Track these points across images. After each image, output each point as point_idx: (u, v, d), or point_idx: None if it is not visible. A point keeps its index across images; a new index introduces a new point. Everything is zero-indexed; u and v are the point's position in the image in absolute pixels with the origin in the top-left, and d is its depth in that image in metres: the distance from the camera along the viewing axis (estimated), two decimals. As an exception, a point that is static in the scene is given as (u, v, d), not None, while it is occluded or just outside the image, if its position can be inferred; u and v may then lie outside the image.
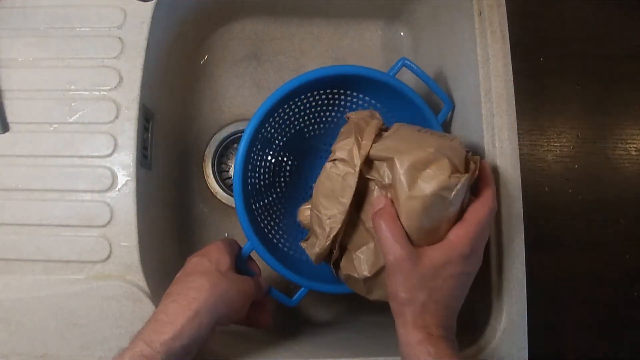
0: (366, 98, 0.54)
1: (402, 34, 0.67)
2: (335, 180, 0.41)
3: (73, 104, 0.47)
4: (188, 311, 0.38)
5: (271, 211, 0.56)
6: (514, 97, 0.48)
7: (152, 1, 0.50)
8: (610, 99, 0.72)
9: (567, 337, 0.66)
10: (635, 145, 0.71)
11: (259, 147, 0.55)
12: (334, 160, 0.41)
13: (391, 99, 0.52)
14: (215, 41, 0.66)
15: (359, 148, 0.40)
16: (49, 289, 0.45)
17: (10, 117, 0.47)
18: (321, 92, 0.53)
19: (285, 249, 0.54)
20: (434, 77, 0.60)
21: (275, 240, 0.54)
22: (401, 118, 0.53)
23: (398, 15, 0.66)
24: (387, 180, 0.39)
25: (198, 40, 0.65)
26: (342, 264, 0.45)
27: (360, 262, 0.42)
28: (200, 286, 0.40)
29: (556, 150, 0.71)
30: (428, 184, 0.36)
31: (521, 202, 0.47)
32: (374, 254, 0.41)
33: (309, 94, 0.52)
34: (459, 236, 0.38)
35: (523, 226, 0.46)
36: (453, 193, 0.36)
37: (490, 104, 0.49)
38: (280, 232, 0.55)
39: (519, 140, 0.48)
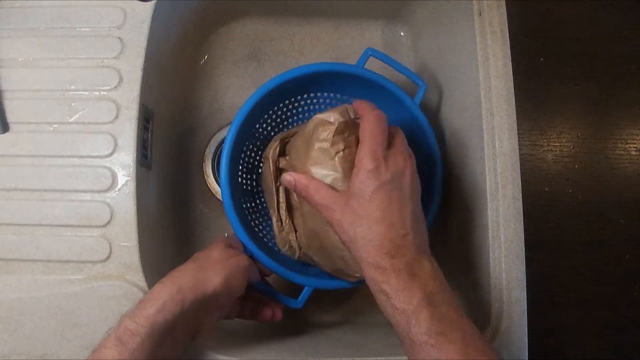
0: (344, 97, 0.55)
1: (402, 34, 0.67)
2: (265, 177, 0.52)
3: (73, 104, 0.47)
4: (170, 288, 0.39)
5: (263, 212, 0.56)
6: (514, 97, 0.48)
7: (152, 1, 0.50)
8: (610, 99, 0.72)
9: (567, 337, 0.66)
10: (635, 145, 0.71)
11: (251, 147, 0.55)
12: (263, 162, 0.52)
13: (367, 91, 0.53)
14: (215, 41, 0.66)
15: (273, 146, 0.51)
16: (49, 289, 0.45)
17: (10, 117, 0.47)
18: (298, 97, 0.55)
19: (281, 252, 0.54)
20: (435, 76, 0.60)
21: (271, 244, 0.54)
22: (380, 106, 0.54)
23: (398, 15, 0.66)
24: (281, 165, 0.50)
25: (198, 40, 0.65)
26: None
27: (301, 236, 0.49)
28: (186, 267, 0.42)
29: (556, 150, 0.71)
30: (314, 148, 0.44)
31: (521, 202, 0.47)
32: (306, 220, 0.48)
33: (287, 102, 0.54)
34: (359, 157, 0.39)
35: (523, 226, 0.46)
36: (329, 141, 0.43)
37: (490, 104, 0.49)
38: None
39: (519, 140, 0.48)
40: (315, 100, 0.56)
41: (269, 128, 0.56)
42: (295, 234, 0.50)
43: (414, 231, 0.39)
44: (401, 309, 0.36)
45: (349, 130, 0.43)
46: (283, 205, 0.50)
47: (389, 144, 0.41)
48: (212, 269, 0.42)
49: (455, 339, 0.34)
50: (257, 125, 0.55)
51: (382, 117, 0.41)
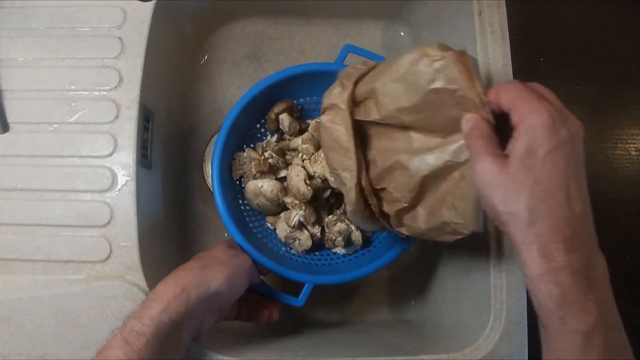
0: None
1: (402, 34, 0.67)
2: (332, 130, 0.40)
3: (73, 104, 0.47)
4: (174, 287, 0.39)
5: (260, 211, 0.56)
6: (514, 97, 0.48)
7: (152, 1, 0.50)
8: (610, 99, 0.72)
9: (567, 337, 0.66)
10: (635, 145, 0.71)
11: (249, 147, 0.55)
12: (325, 110, 0.41)
13: None
14: (215, 41, 0.66)
15: (344, 90, 0.40)
16: (49, 289, 0.45)
17: (10, 117, 0.47)
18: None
19: (280, 252, 0.54)
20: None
21: (270, 245, 0.54)
22: None
23: (398, 15, 0.66)
24: (372, 117, 0.39)
25: (198, 40, 0.65)
26: (386, 208, 0.42)
27: (398, 189, 0.40)
28: (189, 266, 0.42)
29: (556, 150, 0.71)
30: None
31: (521, 202, 0.46)
32: (405, 178, 0.39)
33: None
34: (524, 111, 0.30)
35: (523, 226, 0.46)
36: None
37: (490, 104, 0.48)
38: (274, 234, 0.56)
39: (519, 140, 0.47)
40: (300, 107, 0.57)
41: (262, 130, 0.57)
42: (381, 192, 0.42)
43: (588, 209, 0.31)
44: (573, 328, 0.29)
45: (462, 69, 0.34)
46: (363, 163, 0.41)
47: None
48: (215, 269, 0.41)
49: None
50: (252, 128, 0.56)
51: (518, 85, 0.33)
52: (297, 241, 0.54)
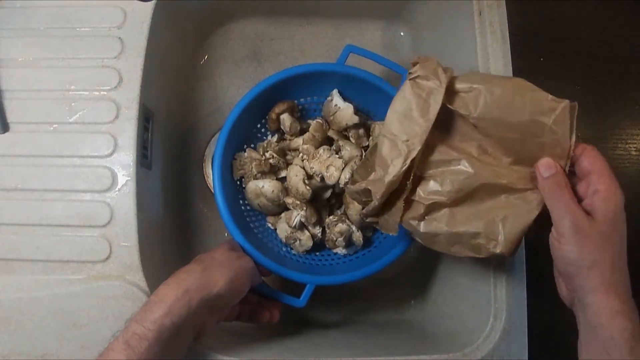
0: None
1: (402, 34, 0.67)
2: (415, 100, 0.39)
3: (73, 104, 0.47)
4: (177, 290, 0.39)
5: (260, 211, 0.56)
6: (514, 97, 0.48)
7: (152, 1, 0.50)
8: (610, 99, 0.72)
9: (567, 336, 0.66)
10: (635, 145, 0.71)
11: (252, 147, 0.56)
12: (415, 78, 0.40)
13: (354, 88, 0.53)
14: (215, 41, 0.66)
15: (444, 71, 0.39)
16: (49, 289, 0.45)
17: (10, 117, 0.47)
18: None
19: (281, 252, 0.54)
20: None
21: (270, 245, 0.54)
22: (366, 102, 0.55)
23: (398, 16, 0.66)
24: (466, 111, 0.39)
25: (198, 40, 0.65)
26: (419, 196, 0.41)
27: (447, 183, 0.40)
28: (191, 269, 0.41)
29: (556, 150, 0.70)
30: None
31: (521, 202, 0.46)
32: (461, 177, 0.40)
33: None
34: (613, 183, 0.36)
35: (523, 226, 0.46)
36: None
37: (490, 104, 0.48)
38: (275, 235, 0.56)
39: (519, 140, 0.47)
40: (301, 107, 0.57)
41: (263, 130, 0.57)
42: (421, 180, 0.42)
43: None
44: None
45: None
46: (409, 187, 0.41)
47: None
48: (217, 271, 0.41)
49: None
50: (253, 129, 0.56)
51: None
52: (298, 241, 0.54)
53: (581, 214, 0.36)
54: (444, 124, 0.41)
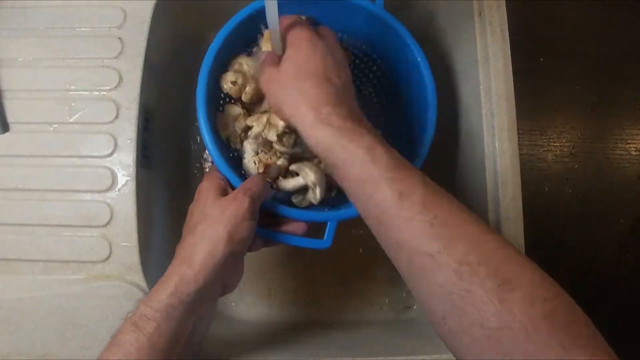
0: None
1: (402, 34, 0.67)
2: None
3: (73, 104, 0.47)
4: (180, 268, 0.38)
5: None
6: (514, 97, 0.48)
7: (152, 1, 0.50)
8: (610, 99, 0.72)
9: (567, 337, 0.66)
10: (635, 145, 0.71)
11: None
12: None
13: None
14: (215, 41, 0.66)
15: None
16: (49, 289, 0.45)
17: (10, 117, 0.47)
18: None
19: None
20: (435, 76, 0.59)
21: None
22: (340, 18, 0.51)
23: (398, 15, 0.66)
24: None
25: (198, 40, 0.65)
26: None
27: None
28: (189, 242, 0.40)
29: (556, 150, 0.71)
30: None
31: (521, 202, 0.47)
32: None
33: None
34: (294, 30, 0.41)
35: (523, 226, 0.46)
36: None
37: (490, 104, 0.49)
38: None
39: (519, 140, 0.48)
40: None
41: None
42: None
43: (351, 90, 0.41)
44: (357, 146, 0.34)
45: None
46: None
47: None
48: (214, 234, 0.39)
49: (414, 173, 0.33)
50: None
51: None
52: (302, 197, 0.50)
53: (270, 66, 0.41)
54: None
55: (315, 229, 0.46)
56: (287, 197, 0.50)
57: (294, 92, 0.38)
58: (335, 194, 0.51)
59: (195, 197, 0.44)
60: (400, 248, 0.32)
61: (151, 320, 0.36)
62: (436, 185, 0.33)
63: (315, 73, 0.38)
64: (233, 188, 0.44)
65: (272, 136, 0.44)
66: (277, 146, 0.46)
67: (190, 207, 0.44)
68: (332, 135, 0.35)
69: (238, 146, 0.51)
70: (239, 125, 0.50)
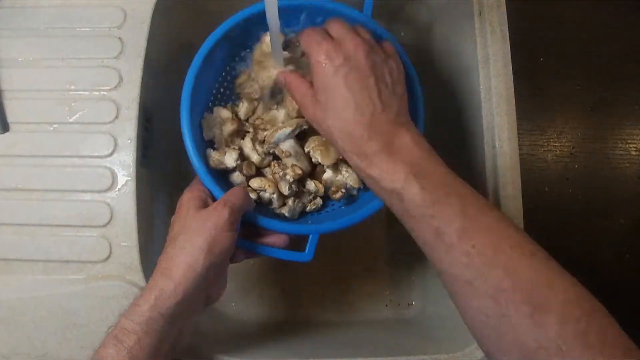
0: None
1: (402, 33, 0.67)
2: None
3: (73, 104, 0.47)
4: (160, 281, 0.38)
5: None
6: (514, 97, 0.48)
7: (152, 1, 0.50)
8: (610, 98, 0.72)
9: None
10: (635, 145, 0.71)
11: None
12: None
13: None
14: (215, 41, 0.66)
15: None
16: (49, 289, 0.45)
17: (10, 117, 0.47)
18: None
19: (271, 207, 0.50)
20: (435, 76, 0.60)
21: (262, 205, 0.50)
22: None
23: (398, 15, 0.66)
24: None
25: (198, 40, 0.65)
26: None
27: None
28: (170, 255, 0.39)
29: (556, 150, 0.71)
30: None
31: (521, 202, 0.47)
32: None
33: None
34: (309, 58, 0.40)
35: (523, 226, 0.46)
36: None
37: (490, 104, 0.49)
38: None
39: (519, 140, 0.48)
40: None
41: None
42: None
43: (385, 105, 0.38)
44: (390, 189, 0.35)
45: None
46: None
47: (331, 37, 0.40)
48: (194, 246, 0.39)
49: (453, 202, 0.34)
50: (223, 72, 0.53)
51: (313, 29, 0.41)
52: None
53: (306, 87, 0.41)
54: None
55: (297, 242, 0.46)
56: (270, 210, 0.49)
57: (331, 117, 0.39)
58: (317, 207, 0.51)
59: (176, 209, 0.44)
60: (440, 274, 0.35)
61: (132, 333, 0.35)
62: (478, 204, 0.35)
63: (346, 108, 0.38)
64: (215, 200, 0.44)
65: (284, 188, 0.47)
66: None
67: (172, 218, 0.43)
68: (370, 172, 0.37)
69: (222, 149, 0.50)
70: (227, 130, 0.50)
